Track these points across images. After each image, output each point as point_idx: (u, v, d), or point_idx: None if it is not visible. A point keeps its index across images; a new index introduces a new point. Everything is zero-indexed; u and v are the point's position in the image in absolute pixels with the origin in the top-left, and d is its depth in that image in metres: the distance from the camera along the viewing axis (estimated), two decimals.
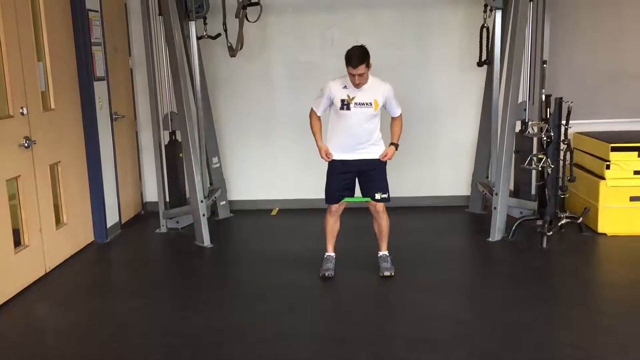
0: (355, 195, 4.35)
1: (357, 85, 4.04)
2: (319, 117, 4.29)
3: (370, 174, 4.24)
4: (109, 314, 3.94)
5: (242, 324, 3.68)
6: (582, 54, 5.94)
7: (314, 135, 4.30)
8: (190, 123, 5.22)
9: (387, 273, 4.30)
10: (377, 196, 4.24)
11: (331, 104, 4.17)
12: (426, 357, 3.22)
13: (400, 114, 4.32)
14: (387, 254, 4.42)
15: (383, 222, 4.34)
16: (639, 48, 5.92)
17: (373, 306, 3.94)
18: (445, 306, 3.86)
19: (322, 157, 4.25)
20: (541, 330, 3.49)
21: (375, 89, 4.12)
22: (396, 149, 4.27)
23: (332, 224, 4.37)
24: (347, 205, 4.36)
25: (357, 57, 3.94)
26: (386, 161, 4.27)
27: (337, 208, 4.30)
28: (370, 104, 4.11)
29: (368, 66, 3.99)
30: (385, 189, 4.26)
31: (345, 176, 4.24)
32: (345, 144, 4.18)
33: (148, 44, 5.37)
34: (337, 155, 4.22)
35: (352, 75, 4.00)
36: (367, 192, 4.28)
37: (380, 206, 4.28)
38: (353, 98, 4.08)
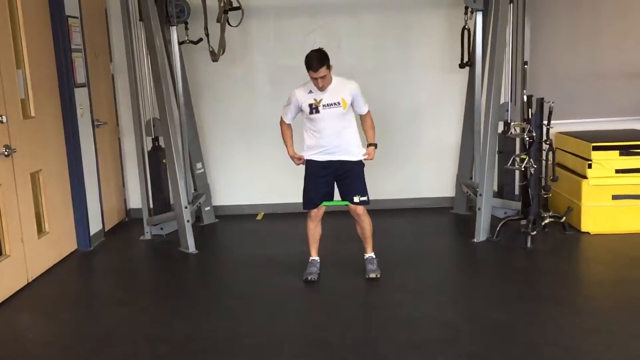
0: (334, 199, 4.35)
1: (322, 88, 4.06)
2: (288, 125, 4.32)
3: (348, 176, 4.24)
4: (93, 323, 3.89)
5: (228, 329, 3.66)
6: (562, 54, 6.00)
7: (285, 143, 4.34)
8: (173, 129, 5.19)
9: (372, 275, 4.30)
10: (356, 199, 4.23)
11: (300, 110, 4.20)
12: (412, 358, 3.21)
13: (369, 111, 4.32)
14: (373, 256, 4.42)
15: (365, 225, 4.33)
16: (618, 48, 5.99)
17: (359, 309, 3.94)
18: (431, 307, 3.87)
19: (294, 160, 4.31)
20: (526, 329, 3.50)
21: (341, 88, 4.13)
22: (375, 148, 4.29)
23: (314, 229, 4.36)
24: (328, 209, 4.35)
25: (317, 61, 3.96)
26: (364, 163, 4.28)
27: (316, 213, 4.29)
28: (338, 103, 4.12)
29: (329, 68, 4.01)
30: (364, 192, 4.25)
31: (323, 180, 4.24)
32: (321, 147, 4.19)
33: (129, 50, 5.33)
34: (313, 157, 4.23)
35: (314, 79, 4.02)
36: (345, 196, 4.28)
37: (360, 209, 4.26)
38: (320, 101, 4.10)
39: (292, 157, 4.32)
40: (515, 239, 5.04)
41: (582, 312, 3.79)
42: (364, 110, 4.31)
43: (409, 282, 4.29)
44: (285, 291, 4.21)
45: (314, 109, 4.11)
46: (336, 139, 4.16)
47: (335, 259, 4.60)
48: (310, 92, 4.12)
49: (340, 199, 4.34)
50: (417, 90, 6.11)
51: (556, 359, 3.16)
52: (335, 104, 4.11)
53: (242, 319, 3.81)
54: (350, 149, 4.22)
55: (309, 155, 4.26)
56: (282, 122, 4.34)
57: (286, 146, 4.34)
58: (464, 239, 5.20)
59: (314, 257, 4.44)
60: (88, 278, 4.95)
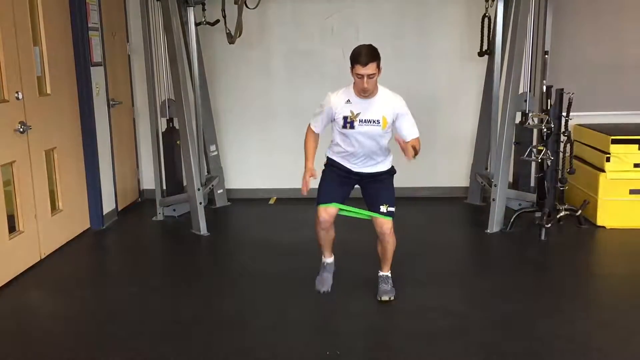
0: (354, 209, 3.70)
1: (365, 92, 3.39)
2: (315, 135, 3.68)
3: (375, 181, 3.65)
4: (104, 300, 3.91)
5: (236, 311, 3.66)
6: (584, 45, 5.90)
7: (305, 154, 3.65)
8: (187, 110, 5.18)
9: (385, 297, 3.70)
10: (383, 208, 3.56)
11: (332, 120, 3.59)
12: (423, 349, 3.19)
13: (418, 138, 3.54)
14: (389, 275, 3.81)
15: (389, 246, 3.69)
16: None
17: (369, 297, 3.92)
18: (442, 298, 3.84)
19: (303, 180, 3.54)
20: (538, 322, 3.47)
21: (384, 103, 3.48)
22: (415, 153, 3.49)
23: (324, 235, 3.71)
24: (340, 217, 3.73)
25: (367, 54, 3.31)
26: (395, 171, 3.71)
27: (326, 218, 3.58)
28: (378, 121, 3.47)
29: (379, 68, 3.37)
30: (392, 201, 3.60)
31: (344, 177, 3.67)
32: (347, 161, 3.65)
33: (146, 30, 5.32)
34: (338, 160, 3.68)
35: (359, 78, 3.35)
36: (371, 205, 3.62)
37: (388, 227, 3.58)
38: (357, 114, 3.47)
39: (307, 171, 3.55)
40: (529, 231, 4.99)
41: (596, 306, 3.76)
42: (413, 134, 3.53)
43: (420, 271, 4.26)
44: (295, 275, 4.19)
45: (348, 122, 3.48)
46: (368, 161, 3.61)
47: (347, 248, 4.48)
48: (348, 101, 3.48)
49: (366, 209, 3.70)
50: (435, 78, 6.05)
51: (568, 353, 3.13)
52: (374, 121, 3.47)
53: (251, 302, 3.81)
54: (381, 165, 3.67)
55: (333, 155, 3.71)
56: (309, 130, 3.68)
57: (305, 158, 3.63)
58: (477, 230, 5.16)
59: (328, 258, 3.87)
60: (100, 256, 4.97)
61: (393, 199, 3.61)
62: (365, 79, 3.32)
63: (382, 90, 3.51)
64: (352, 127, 3.48)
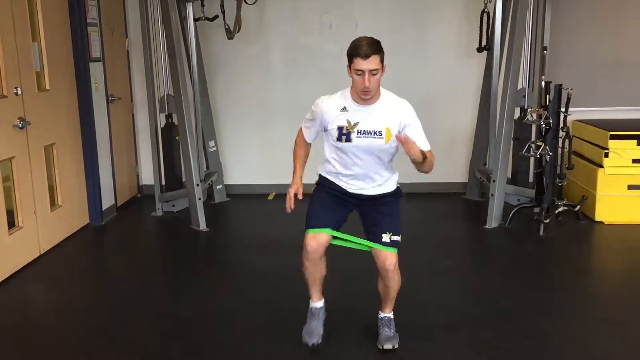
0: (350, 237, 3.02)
1: (367, 93, 2.79)
2: (306, 144, 3.13)
3: (378, 205, 3.02)
4: (103, 296, 3.92)
5: (236, 308, 3.67)
6: (582, 41, 5.89)
7: (293, 163, 3.12)
8: (186, 106, 5.18)
9: (389, 345, 3.07)
10: (385, 237, 2.92)
11: (324, 130, 2.97)
12: (420, 343, 3.20)
13: (430, 151, 2.89)
14: (391, 317, 3.17)
15: (393, 284, 3.04)
16: None
17: (366, 293, 3.92)
18: (440, 293, 3.85)
19: (288, 195, 3.04)
20: (536, 318, 3.48)
21: (388, 111, 2.85)
22: (424, 158, 2.79)
23: (312, 269, 2.99)
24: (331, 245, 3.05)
25: (369, 45, 2.73)
26: (401, 194, 3.11)
27: (315, 247, 2.90)
28: (380, 133, 2.85)
29: (383, 64, 2.78)
30: (397, 229, 2.96)
31: (338, 199, 3.03)
32: (343, 182, 3.03)
33: (145, 26, 5.32)
34: (332, 179, 3.06)
35: (359, 75, 2.75)
36: (371, 233, 2.98)
37: (391, 262, 2.93)
38: (355, 125, 2.86)
39: (292, 185, 3.05)
40: (527, 226, 5.00)
41: (594, 302, 3.76)
42: (424, 148, 2.86)
43: (418, 266, 4.25)
44: (293, 270, 4.18)
45: (344, 135, 2.86)
46: (368, 181, 2.99)
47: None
48: (344, 109, 2.87)
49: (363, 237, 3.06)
50: (434, 73, 6.05)
51: (565, 349, 3.13)
52: (375, 133, 2.85)
53: (250, 297, 3.82)
54: (386, 185, 3.05)
55: (326, 174, 3.09)
56: (299, 136, 3.12)
57: (293, 168, 3.11)
58: (476, 225, 5.17)
59: (317, 302, 3.09)
60: (99, 252, 4.98)
61: (398, 226, 2.97)
62: (366, 75, 2.72)
63: (385, 94, 2.91)
64: (348, 139, 2.87)
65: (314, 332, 3.05)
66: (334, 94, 2.97)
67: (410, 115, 2.91)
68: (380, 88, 2.87)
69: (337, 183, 3.03)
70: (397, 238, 2.94)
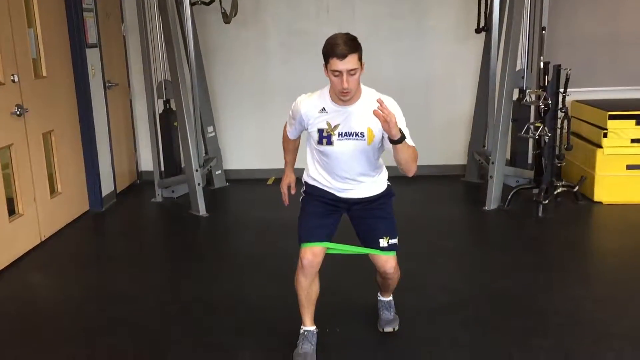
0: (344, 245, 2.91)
1: (346, 95, 2.61)
2: (291, 140, 3.07)
3: (369, 209, 2.89)
4: (104, 282, 3.94)
5: (237, 292, 3.68)
6: (581, 21, 5.87)
7: (284, 156, 3.13)
8: (184, 91, 5.16)
9: (389, 328, 3.10)
10: (383, 242, 2.84)
11: (306, 129, 2.85)
12: (420, 325, 3.22)
13: (413, 147, 2.67)
14: (391, 300, 3.19)
15: (393, 282, 3.05)
16: (639, 16, 5.84)
17: (367, 275, 3.94)
18: (440, 275, 3.87)
19: (282, 190, 3.09)
20: (536, 298, 3.50)
21: (369, 111, 2.52)
22: (402, 137, 2.54)
23: (307, 287, 2.83)
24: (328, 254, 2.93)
25: (345, 43, 2.55)
26: (393, 193, 2.98)
27: (311, 260, 2.78)
28: (362, 134, 2.69)
29: (361, 62, 2.60)
30: (393, 232, 2.88)
31: (329, 206, 2.90)
32: (329, 187, 2.89)
33: (140, 10, 5.28)
34: (319, 186, 2.92)
35: (337, 76, 2.57)
36: (366, 240, 2.90)
37: (391, 265, 2.87)
38: (336, 127, 2.71)
39: (284, 178, 3.08)
40: (526, 207, 5.01)
41: (593, 281, 3.79)
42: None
43: (418, 249, 4.26)
44: (293, 255, 4.19)
45: (324, 137, 2.73)
46: (355, 184, 2.85)
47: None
48: (323, 110, 2.73)
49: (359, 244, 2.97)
50: (432, 56, 6.02)
51: (565, 328, 3.15)
52: (356, 134, 2.70)
53: (250, 282, 3.83)
54: (374, 186, 2.91)
55: (311, 180, 2.95)
56: (285, 131, 3.06)
57: (285, 163, 3.12)
58: (475, 207, 5.18)
59: (310, 326, 2.92)
60: (100, 238, 4.99)
61: (394, 228, 2.88)
62: (344, 76, 2.54)
63: (366, 92, 2.72)
64: (329, 142, 2.72)
65: (308, 356, 2.87)
66: (313, 92, 2.81)
67: (393, 111, 2.58)
68: (361, 85, 2.70)
69: (324, 189, 2.89)
70: (394, 241, 2.86)
